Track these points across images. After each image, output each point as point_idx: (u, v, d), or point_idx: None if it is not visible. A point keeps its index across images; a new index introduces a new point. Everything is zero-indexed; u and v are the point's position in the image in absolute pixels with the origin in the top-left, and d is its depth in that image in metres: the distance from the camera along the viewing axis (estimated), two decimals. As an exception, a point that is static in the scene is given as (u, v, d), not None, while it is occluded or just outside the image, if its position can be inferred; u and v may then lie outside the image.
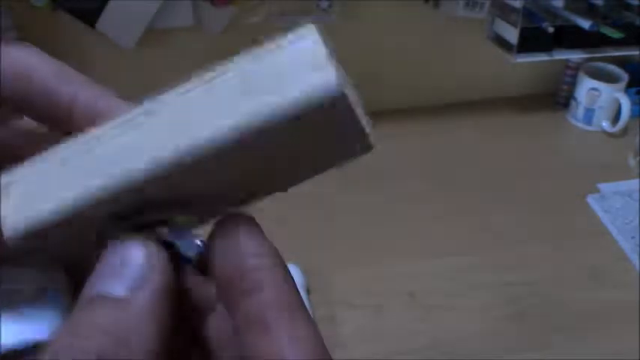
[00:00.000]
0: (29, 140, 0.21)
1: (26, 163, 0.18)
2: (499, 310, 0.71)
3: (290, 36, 0.17)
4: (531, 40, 0.93)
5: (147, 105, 0.17)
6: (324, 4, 0.93)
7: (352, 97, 0.17)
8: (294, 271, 0.71)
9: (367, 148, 0.19)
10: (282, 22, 0.94)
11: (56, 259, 0.20)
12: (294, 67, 0.16)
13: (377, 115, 0.99)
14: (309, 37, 0.17)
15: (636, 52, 0.99)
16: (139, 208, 0.18)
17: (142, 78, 0.97)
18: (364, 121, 0.18)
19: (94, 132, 0.18)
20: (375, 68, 1.04)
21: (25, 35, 0.88)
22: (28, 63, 0.21)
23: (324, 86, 0.16)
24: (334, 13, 0.95)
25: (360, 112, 0.18)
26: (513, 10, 0.92)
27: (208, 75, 0.17)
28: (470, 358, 0.66)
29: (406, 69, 1.05)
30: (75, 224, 0.18)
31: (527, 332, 0.68)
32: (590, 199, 0.88)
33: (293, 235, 0.79)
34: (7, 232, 0.18)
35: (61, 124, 0.20)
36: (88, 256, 0.19)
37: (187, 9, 0.90)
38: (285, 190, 0.21)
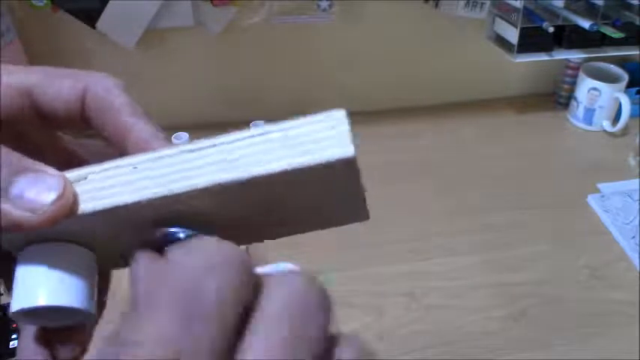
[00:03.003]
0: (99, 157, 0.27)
1: (103, 163, 0.23)
2: (499, 310, 0.71)
3: (324, 115, 0.22)
4: (531, 40, 0.94)
5: (205, 142, 0.22)
6: (324, 4, 0.93)
7: (359, 171, 0.23)
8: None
9: (363, 218, 0.26)
10: (282, 22, 0.94)
11: (91, 244, 0.24)
12: (324, 137, 0.21)
13: (377, 114, 0.99)
14: (338, 117, 0.21)
15: (636, 52, 0.99)
16: (176, 219, 0.22)
17: (142, 78, 0.97)
18: (364, 194, 0.25)
19: (163, 151, 0.22)
20: (375, 68, 1.04)
21: (25, 35, 0.88)
22: (114, 90, 0.26)
23: (343, 155, 0.21)
24: (334, 13, 0.95)
25: (362, 186, 0.24)
26: (513, 10, 0.92)
27: (257, 130, 0.22)
28: (470, 358, 0.66)
29: (406, 69, 1.05)
30: (123, 219, 0.22)
31: (527, 332, 0.68)
32: (590, 199, 0.88)
33: (292, 235, 0.79)
34: (79, 209, 0.22)
35: (117, 145, 0.25)
36: (120, 248, 0.23)
37: (187, 9, 0.90)
38: (283, 236, 0.27)
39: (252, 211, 0.24)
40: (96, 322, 0.26)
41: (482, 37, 1.00)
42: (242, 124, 0.34)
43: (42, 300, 0.22)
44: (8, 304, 0.71)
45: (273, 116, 0.30)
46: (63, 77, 0.25)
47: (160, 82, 0.98)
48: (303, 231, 0.27)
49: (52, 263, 0.23)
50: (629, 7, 0.94)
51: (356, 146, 0.21)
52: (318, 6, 0.93)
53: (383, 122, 1.03)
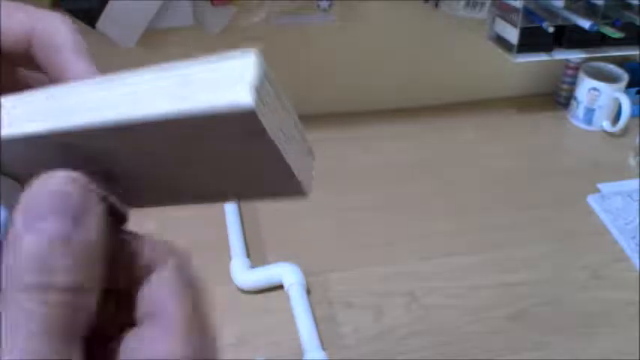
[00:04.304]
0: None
1: (24, 93, 0.22)
2: (499, 310, 0.71)
3: (233, 53, 0.18)
4: (531, 40, 0.93)
5: (110, 77, 0.20)
6: (324, 4, 0.93)
7: (277, 135, 0.19)
8: (294, 271, 0.71)
9: (298, 193, 0.21)
10: (282, 22, 0.94)
11: (18, 176, 0.23)
12: (223, 80, 0.18)
13: (377, 114, 0.99)
14: (247, 58, 0.18)
15: (636, 52, 0.99)
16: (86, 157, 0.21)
17: (142, 78, 0.97)
18: (295, 164, 0.20)
19: (77, 84, 0.21)
20: (375, 68, 1.04)
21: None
22: (61, 29, 0.25)
23: (235, 104, 0.17)
24: (334, 13, 0.95)
25: (290, 154, 0.19)
26: (513, 10, 0.92)
27: (160, 67, 0.19)
28: (470, 358, 0.66)
29: (406, 69, 1.05)
30: (40, 149, 0.21)
31: (527, 332, 0.68)
32: (590, 199, 0.88)
33: (293, 235, 0.79)
34: None
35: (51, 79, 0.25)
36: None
37: (187, 9, 0.90)
38: (205, 202, 0.24)
39: (162, 161, 0.21)
40: None
41: (483, 37, 1.00)
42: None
43: None
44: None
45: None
46: (16, 11, 0.25)
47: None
48: (237, 198, 0.25)
49: None
50: (629, 7, 0.94)
51: (261, 97, 0.17)
52: (318, 6, 0.93)
53: (383, 122, 1.03)
